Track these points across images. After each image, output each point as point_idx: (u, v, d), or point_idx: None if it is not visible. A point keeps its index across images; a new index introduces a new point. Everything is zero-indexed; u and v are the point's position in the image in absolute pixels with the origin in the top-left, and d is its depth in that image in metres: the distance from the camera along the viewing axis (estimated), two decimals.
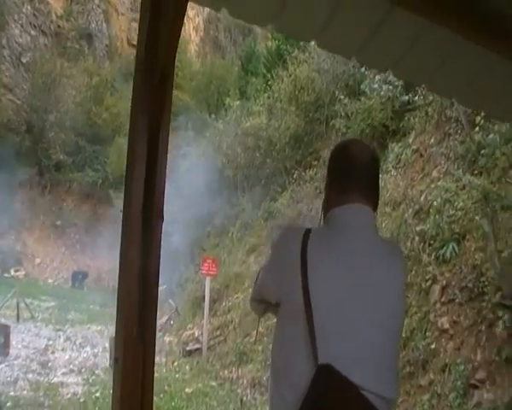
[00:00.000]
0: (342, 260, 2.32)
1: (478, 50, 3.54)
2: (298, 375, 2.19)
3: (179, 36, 2.61)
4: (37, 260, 33.17)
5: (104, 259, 34.01)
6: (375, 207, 2.52)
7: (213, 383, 13.47)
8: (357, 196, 2.44)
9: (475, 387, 8.02)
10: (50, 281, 32.11)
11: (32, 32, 41.42)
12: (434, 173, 11.83)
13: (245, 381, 13.03)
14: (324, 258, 2.29)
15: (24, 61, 39.90)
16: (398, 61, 3.96)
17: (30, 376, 12.90)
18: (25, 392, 11.62)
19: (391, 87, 14.33)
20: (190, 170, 22.14)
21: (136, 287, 2.35)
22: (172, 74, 2.66)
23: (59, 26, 44.06)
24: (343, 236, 2.39)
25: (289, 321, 2.29)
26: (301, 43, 20.17)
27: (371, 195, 2.51)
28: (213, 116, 26.60)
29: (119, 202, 34.17)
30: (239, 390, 12.72)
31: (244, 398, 12.11)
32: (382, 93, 14.65)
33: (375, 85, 14.86)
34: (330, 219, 2.48)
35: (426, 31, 3.53)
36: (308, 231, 2.36)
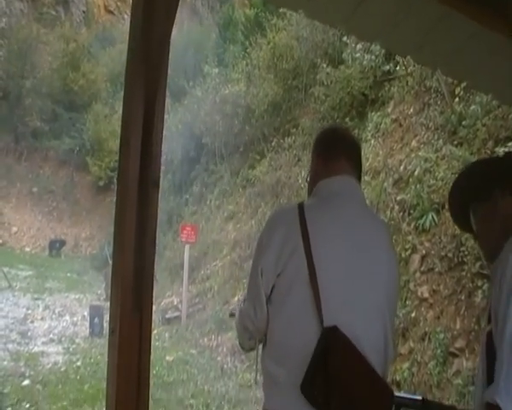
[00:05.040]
0: (338, 227, 2.43)
1: (463, 21, 3.53)
2: (301, 340, 2.25)
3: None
4: (14, 229, 32.85)
5: (81, 226, 33.93)
6: (358, 179, 2.65)
7: (193, 351, 13.54)
8: (343, 166, 2.58)
9: (455, 355, 8.11)
10: (27, 249, 31.85)
11: None
12: (414, 143, 11.84)
13: (225, 349, 13.09)
14: (322, 226, 2.38)
15: None
16: (384, 32, 3.94)
17: (10, 346, 12.90)
18: (5, 362, 11.62)
19: (373, 57, 14.27)
20: (168, 137, 22.03)
21: (132, 257, 2.32)
22: (169, 40, 2.62)
23: None
24: (336, 205, 2.49)
25: (289, 291, 2.32)
26: (280, 11, 20.02)
27: (355, 166, 2.65)
28: (191, 83, 26.33)
29: (95, 169, 34.07)
30: (219, 358, 12.80)
31: (225, 366, 12.19)
32: (364, 62, 14.59)
33: (357, 55, 14.79)
34: (319, 191, 2.58)
35: (412, 1, 3.52)
36: (301, 205, 2.45)
